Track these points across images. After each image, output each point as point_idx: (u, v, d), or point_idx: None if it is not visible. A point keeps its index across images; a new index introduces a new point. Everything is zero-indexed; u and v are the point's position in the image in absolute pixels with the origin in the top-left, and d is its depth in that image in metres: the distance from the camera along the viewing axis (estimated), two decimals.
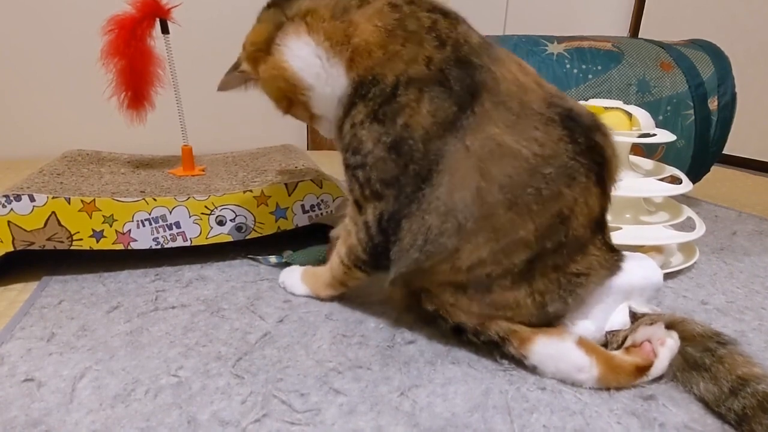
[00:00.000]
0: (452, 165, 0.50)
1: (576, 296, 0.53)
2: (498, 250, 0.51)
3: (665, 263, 0.79)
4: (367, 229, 0.56)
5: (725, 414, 0.48)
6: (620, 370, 0.52)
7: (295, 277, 0.71)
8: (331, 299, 0.69)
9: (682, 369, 0.52)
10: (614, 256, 0.55)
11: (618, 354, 0.54)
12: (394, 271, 0.56)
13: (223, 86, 0.70)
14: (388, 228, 0.55)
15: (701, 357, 0.51)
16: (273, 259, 0.80)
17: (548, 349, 0.54)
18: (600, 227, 0.54)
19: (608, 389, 0.52)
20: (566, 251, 0.51)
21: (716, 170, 1.29)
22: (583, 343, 0.53)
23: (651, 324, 0.54)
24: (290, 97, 0.60)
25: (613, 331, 0.56)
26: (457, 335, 0.58)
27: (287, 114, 0.64)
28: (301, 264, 0.77)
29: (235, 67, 0.67)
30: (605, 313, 0.56)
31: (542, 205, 0.49)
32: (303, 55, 0.56)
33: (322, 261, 0.75)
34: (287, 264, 0.78)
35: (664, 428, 0.47)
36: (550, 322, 0.54)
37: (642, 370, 0.52)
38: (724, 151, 1.15)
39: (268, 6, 0.61)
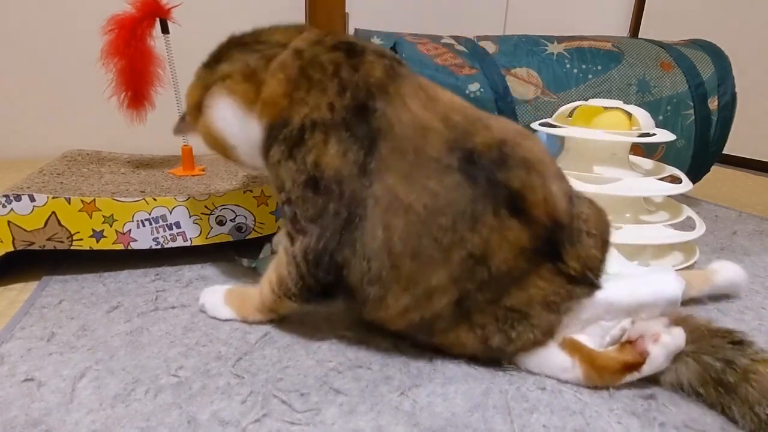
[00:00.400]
0: (368, 213, 0.51)
1: (519, 333, 0.52)
2: (418, 296, 0.51)
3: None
4: (296, 264, 0.55)
5: None
6: (605, 369, 0.52)
7: (217, 299, 0.65)
8: (261, 323, 0.63)
9: (703, 383, 0.50)
10: (571, 288, 0.52)
11: (605, 352, 0.53)
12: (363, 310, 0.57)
13: (177, 131, 0.73)
14: (319, 269, 0.54)
15: (722, 370, 0.49)
16: (245, 261, 0.79)
17: (531, 356, 0.54)
18: (547, 254, 0.51)
19: (601, 388, 0.52)
20: (495, 286, 0.50)
21: (716, 170, 1.28)
22: (566, 343, 0.53)
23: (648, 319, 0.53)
24: (223, 152, 0.63)
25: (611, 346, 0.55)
26: None
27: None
28: (261, 272, 0.74)
29: (183, 117, 0.70)
30: (604, 329, 0.55)
31: (445, 253, 0.49)
32: (226, 116, 0.59)
33: None
34: (254, 268, 0.77)
35: (664, 428, 0.47)
36: (499, 358, 0.55)
37: (631, 367, 0.51)
38: (725, 151, 1.15)
39: (203, 65, 0.63)
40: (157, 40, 0.87)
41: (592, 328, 0.54)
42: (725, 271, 0.72)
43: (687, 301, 0.72)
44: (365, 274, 0.52)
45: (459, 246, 0.49)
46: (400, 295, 0.52)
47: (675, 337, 0.51)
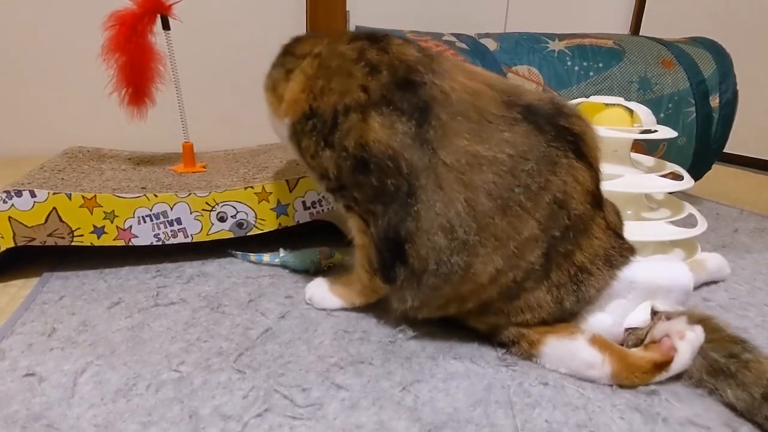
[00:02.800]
0: (438, 181, 0.51)
1: (582, 293, 0.53)
2: (510, 254, 0.51)
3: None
4: (373, 241, 0.57)
5: (762, 423, 0.46)
6: (635, 367, 0.52)
7: (324, 291, 0.66)
8: (366, 306, 0.66)
9: (707, 372, 0.51)
10: (621, 243, 0.55)
11: (635, 351, 0.53)
12: (410, 299, 0.56)
13: None
14: (389, 245, 0.54)
15: (725, 363, 0.49)
16: (266, 257, 0.79)
17: (558, 349, 0.54)
18: (598, 203, 0.54)
19: (629, 387, 0.52)
20: (572, 234, 0.52)
21: (718, 168, 1.28)
22: (596, 340, 0.53)
23: (669, 318, 0.53)
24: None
25: (631, 328, 0.55)
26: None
27: None
28: (294, 267, 0.77)
29: None
30: (624, 308, 0.55)
31: (535, 200, 0.50)
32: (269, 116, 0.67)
33: (316, 264, 0.76)
34: (281, 264, 0.78)
35: (667, 423, 0.47)
36: (564, 318, 0.55)
37: (660, 366, 0.51)
38: (726, 150, 1.14)
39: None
40: (158, 36, 0.87)
41: (613, 306, 0.55)
42: (714, 259, 0.78)
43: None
44: (444, 249, 0.51)
45: (546, 190, 0.50)
46: (491, 257, 0.51)
47: (698, 334, 0.51)
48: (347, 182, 0.55)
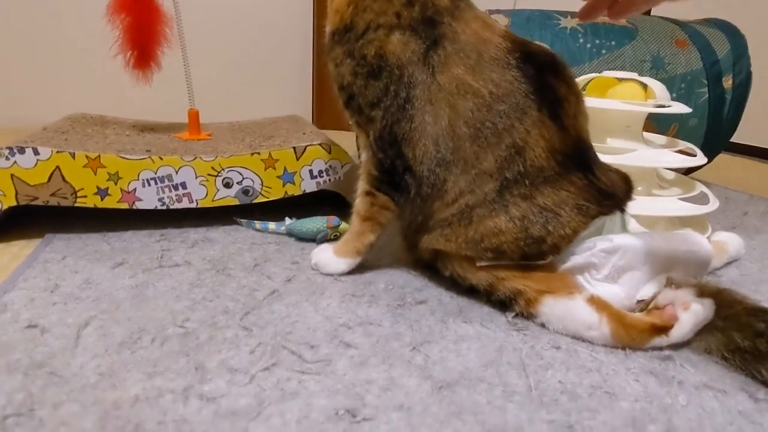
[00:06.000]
0: (430, 96, 0.57)
1: (552, 226, 0.54)
2: (470, 180, 0.56)
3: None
4: (372, 148, 0.62)
5: None
6: (633, 328, 0.51)
7: (329, 256, 0.66)
8: (371, 247, 0.65)
9: (729, 350, 0.49)
10: (602, 200, 0.55)
11: (634, 313, 0.53)
12: (408, 213, 0.61)
13: None
14: (385, 145, 0.60)
15: (753, 344, 0.47)
16: (272, 225, 0.78)
17: (555, 309, 0.53)
18: (577, 164, 0.55)
19: (623, 348, 0.51)
20: (528, 181, 0.54)
21: (727, 158, 1.27)
22: (593, 300, 0.52)
23: (678, 288, 0.52)
24: None
25: (642, 300, 0.54)
26: (473, 293, 0.60)
27: None
28: (301, 235, 0.76)
29: None
30: (637, 281, 0.54)
31: (498, 138, 0.55)
32: None
33: (323, 232, 0.74)
34: (287, 233, 0.77)
35: (683, 386, 0.46)
36: (541, 251, 0.54)
37: (659, 330, 0.50)
38: (736, 139, 1.13)
39: None
40: None
41: (627, 278, 0.54)
42: (734, 242, 0.76)
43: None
44: (433, 157, 0.57)
45: (508, 133, 0.55)
46: (458, 178, 0.56)
47: (705, 307, 0.50)
48: (357, 90, 0.60)
